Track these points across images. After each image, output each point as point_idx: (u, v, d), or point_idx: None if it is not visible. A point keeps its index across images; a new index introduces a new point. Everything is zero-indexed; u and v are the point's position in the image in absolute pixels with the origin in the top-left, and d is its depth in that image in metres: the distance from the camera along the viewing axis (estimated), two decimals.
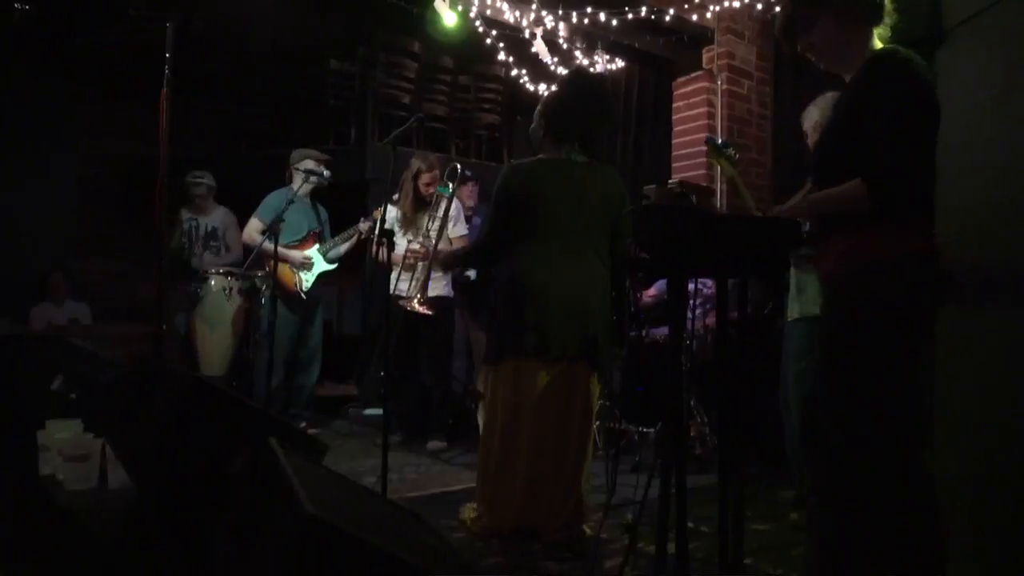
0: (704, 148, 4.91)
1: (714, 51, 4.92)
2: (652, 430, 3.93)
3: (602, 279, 2.47)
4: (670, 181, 1.61)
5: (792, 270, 2.64)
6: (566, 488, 2.45)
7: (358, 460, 3.93)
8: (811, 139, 2.86)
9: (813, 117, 2.78)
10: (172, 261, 5.13)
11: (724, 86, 4.90)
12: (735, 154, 2.01)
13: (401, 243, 4.28)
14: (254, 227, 4.52)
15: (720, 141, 1.96)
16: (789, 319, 2.75)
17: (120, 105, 5.40)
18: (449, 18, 3.79)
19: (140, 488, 1.86)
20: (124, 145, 5.51)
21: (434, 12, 3.79)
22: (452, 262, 3.24)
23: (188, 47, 5.17)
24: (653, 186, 1.58)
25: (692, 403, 3.81)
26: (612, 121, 2.68)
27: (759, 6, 4.64)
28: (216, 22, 5.24)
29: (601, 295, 2.46)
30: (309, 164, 4.52)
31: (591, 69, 4.83)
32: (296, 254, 4.54)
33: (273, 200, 4.52)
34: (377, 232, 2.93)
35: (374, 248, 4.39)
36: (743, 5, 4.73)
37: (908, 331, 1.62)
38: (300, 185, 4.43)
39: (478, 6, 3.95)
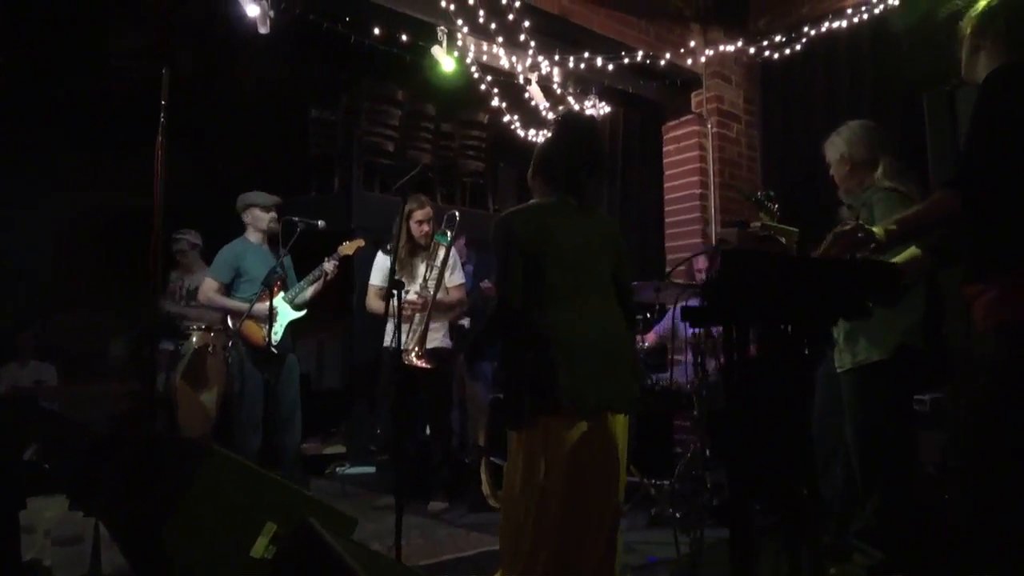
0: (699, 191, 4.92)
1: (703, 95, 4.95)
2: (667, 482, 3.78)
3: (621, 321, 2.37)
4: (752, 223, 1.51)
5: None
6: (606, 543, 2.29)
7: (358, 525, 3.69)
8: (835, 170, 2.81)
9: (839, 148, 2.73)
10: (158, 320, 4.90)
11: (714, 129, 4.92)
12: (776, 207, 1.92)
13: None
14: (209, 287, 4.23)
15: (760, 194, 1.87)
16: (840, 369, 2.63)
17: (100, 156, 5.19)
18: (447, 64, 3.72)
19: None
20: (104, 197, 5.30)
21: (432, 59, 3.72)
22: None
23: (167, 96, 5.03)
24: (733, 229, 1.48)
25: (707, 453, 3.69)
26: (603, 164, 2.61)
27: (751, 50, 4.69)
28: (195, 71, 5.12)
29: (624, 337, 2.38)
30: (257, 212, 4.32)
31: (582, 111, 4.81)
32: (260, 306, 4.21)
33: (226, 255, 4.27)
34: (387, 284, 2.78)
35: (371, 298, 4.23)
36: (731, 51, 4.79)
37: None
38: (251, 232, 4.25)
39: (474, 52, 3.90)
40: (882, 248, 1.57)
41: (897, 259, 1.72)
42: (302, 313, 4.41)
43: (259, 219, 4.31)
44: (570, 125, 2.53)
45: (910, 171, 2.62)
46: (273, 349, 4.24)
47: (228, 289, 4.24)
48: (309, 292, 4.37)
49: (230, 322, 4.16)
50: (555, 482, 2.24)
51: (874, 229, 1.49)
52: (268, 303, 4.23)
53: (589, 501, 2.23)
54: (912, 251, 1.78)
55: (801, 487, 1.65)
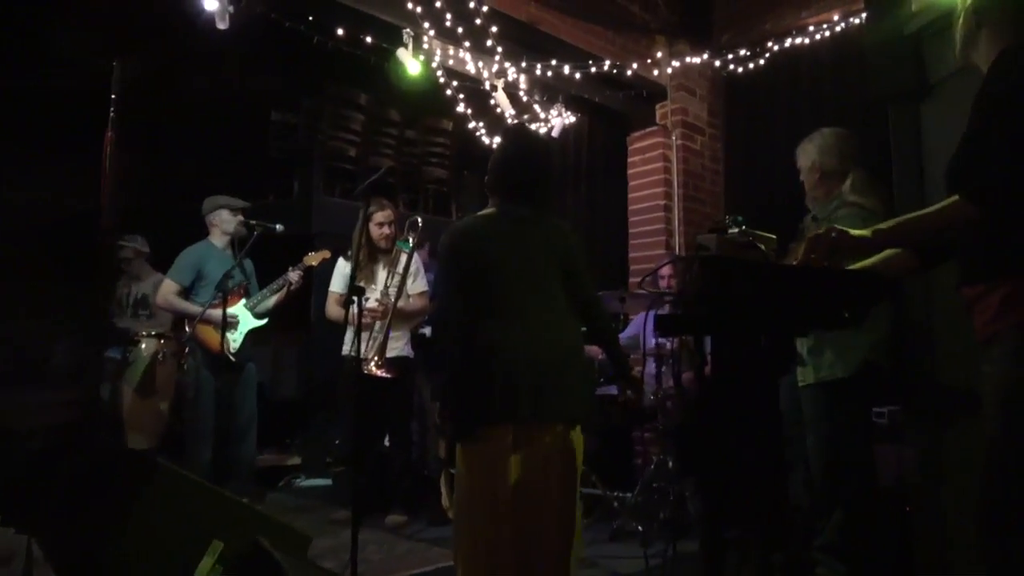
0: (663, 202, 4.92)
1: (668, 107, 4.97)
2: (630, 495, 3.74)
3: (571, 334, 2.30)
4: (731, 228, 1.47)
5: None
6: (558, 557, 2.22)
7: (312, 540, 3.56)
8: (804, 177, 2.81)
9: (811, 156, 2.73)
10: (105, 327, 4.72)
11: (679, 141, 4.94)
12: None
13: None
14: (168, 289, 4.10)
15: (728, 219, 1.79)
16: (802, 383, 2.61)
17: (39, 155, 4.98)
18: (413, 67, 3.65)
19: None
20: (45, 197, 5.07)
21: (396, 62, 3.65)
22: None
23: (117, 94, 4.86)
24: (712, 235, 1.43)
25: (670, 464, 3.66)
26: (551, 175, 2.58)
27: (716, 63, 4.72)
28: (150, 68, 4.95)
29: (573, 350, 2.29)
30: (225, 214, 4.21)
31: (548, 121, 4.79)
32: (218, 312, 4.11)
33: (189, 257, 4.15)
34: (347, 290, 2.69)
35: (330, 306, 4.11)
36: (696, 64, 4.82)
37: None
38: (222, 237, 4.14)
39: (440, 56, 3.84)
40: (864, 251, 1.47)
41: (870, 261, 1.65)
42: (263, 322, 4.31)
43: (226, 222, 4.20)
44: (517, 136, 2.53)
45: (878, 185, 2.63)
46: (231, 357, 4.12)
47: (188, 293, 4.11)
48: (272, 301, 4.28)
49: (187, 327, 4.01)
50: (500, 494, 2.17)
51: (856, 232, 1.42)
52: (223, 309, 4.13)
53: (538, 513, 2.16)
54: (887, 251, 1.67)
55: (771, 501, 1.61)
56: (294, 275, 4.21)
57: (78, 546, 1.66)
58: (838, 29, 4.27)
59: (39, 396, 5.23)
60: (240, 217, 4.22)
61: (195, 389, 4.01)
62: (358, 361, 3.03)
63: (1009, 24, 1.54)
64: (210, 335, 4.14)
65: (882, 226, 1.45)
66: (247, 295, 4.27)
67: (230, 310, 4.15)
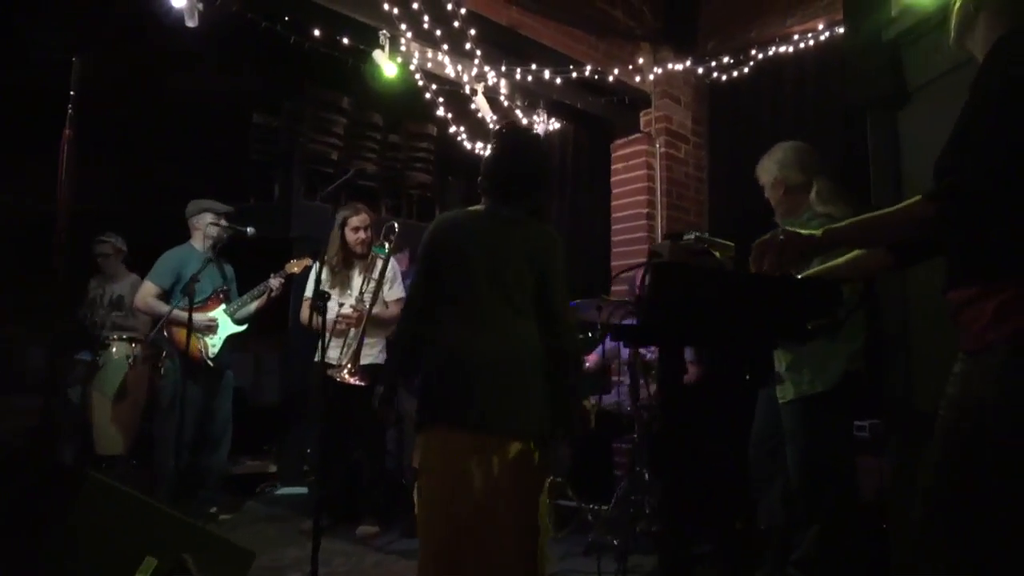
0: (645, 210, 4.87)
1: (651, 114, 4.92)
2: (606, 507, 3.67)
3: (532, 344, 2.20)
4: (686, 235, 1.41)
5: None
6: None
7: (279, 549, 3.49)
8: (769, 194, 2.76)
9: (772, 172, 2.69)
10: (73, 329, 4.62)
11: (662, 149, 4.89)
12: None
13: (331, 304, 3.96)
14: (148, 291, 4.05)
15: (695, 235, 1.69)
16: (782, 400, 2.55)
17: (9, 156, 4.89)
18: (389, 69, 3.59)
19: None
20: (12, 199, 4.98)
21: (372, 63, 3.58)
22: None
23: (94, 93, 4.78)
24: (666, 241, 1.37)
25: (646, 477, 3.59)
26: (544, 176, 2.49)
27: (699, 70, 4.68)
28: (128, 66, 4.88)
29: (531, 361, 2.18)
30: (208, 218, 4.16)
31: (531, 127, 4.73)
32: (199, 317, 4.05)
33: (170, 260, 4.10)
34: (312, 295, 2.62)
35: (304, 311, 4.03)
36: (680, 71, 4.78)
37: None
38: (198, 239, 4.08)
39: (418, 59, 3.78)
40: (819, 251, 1.37)
41: (840, 260, 1.57)
42: (243, 328, 4.26)
43: (209, 226, 4.12)
44: (507, 136, 2.43)
45: (843, 192, 2.58)
46: (209, 363, 4.06)
47: (167, 296, 4.04)
48: (253, 307, 4.25)
49: (164, 331, 3.94)
50: (452, 504, 2.10)
51: (807, 232, 1.34)
52: (209, 312, 4.09)
53: (491, 529, 2.08)
54: (856, 251, 1.57)
55: (736, 519, 1.55)
56: (275, 282, 4.18)
57: (3, 562, 1.58)
58: (823, 38, 4.24)
59: (18, 401, 5.12)
60: (223, 222, 4.17)
61: (171, 394, 3.94)
62: (324, 367, 2.94)
63: (1008, 6, 1.40)
64: (190, 341, 4.07)
65: (835, 225, 1.37)
66: (227, 300, 4.22)
67: (210, 314, 4.11)
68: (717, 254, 1.35)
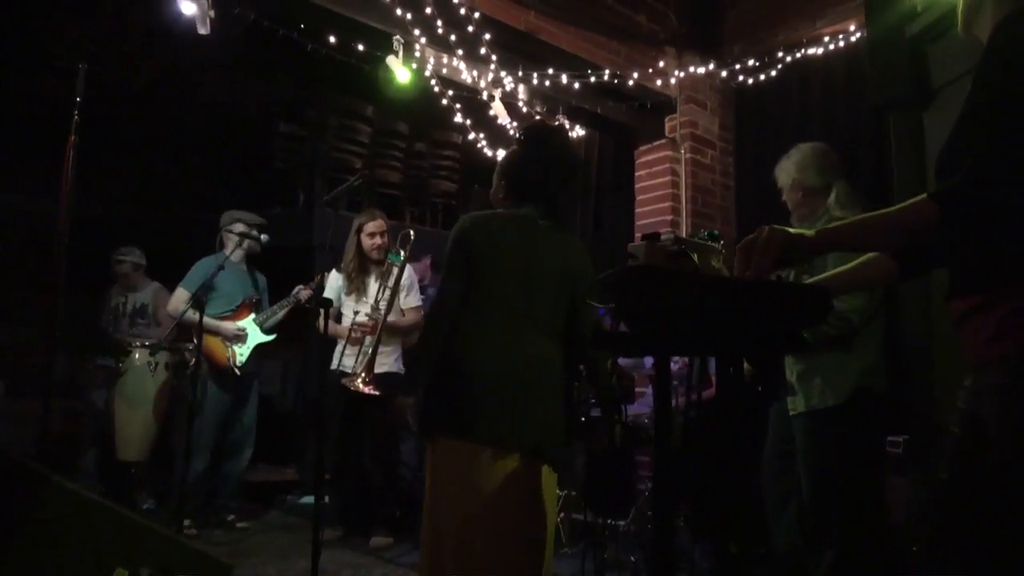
0: (670, 218, 4.76)
1: (676, 120, 4.82)
2: (622, 523, 3.56)
3: (550, 360, 2.09)
4: (663, 235, 1.33)
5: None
6: None
7: (288, 561, 3.45)
8: (787, 196, 2.65)
9: (790, 174, 2.57)
10: (94, 335, 4.70)
11: (687, 155, 4.78)
12: (720, 245, 1.68)
13: (347, 312, 3.94)
14: (180, 297, 4.11)
15: (704, 233, 1.59)
16: (793, 413, 2.43)
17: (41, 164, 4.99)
18: (402, 75, 3.56)
19: None
20: (43, 205, 5.09)
21: (387, 69, 3.56)
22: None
23: (125, 103, 4.87)
24: (641, 243, 1.29)
25: None
26: (576, 175, 2.36)
27: (724, 73, 4.57)
28: (156, 78, 4.96)
29: (548, 377, 2.09)
30: (241, 228, 4.19)
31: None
32: (228, 326, 4.13)
33: (202, 268, 4.15)
34: (315, 300, 2.59)
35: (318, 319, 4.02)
36: (704, 75, 4.67)
37: None
38: (232, 250, 4.12)
39: (433, 64, 3.74)
40: (810, 252, 1.23)
41: (848, 266, 1.44)
42: (271, 337, 4.31)
43: (246, 234, 4.20)
44: (540, 133, 2.28)
45: (861, 197, 2.45)
46: (236, 371, 4.10)
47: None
48: (280, 316, 4.29)
49: (195, 338, 3.98)
50: (457, 513, 2.02)
51: (797, 230, 1.22)
52: (239, 321, 4.14)
53: (496, 538, 2.00)
54: (868, 256, 1.46)
55: (730, 541, 1.44)
56: (305, 292, 4.21)
57: None
58: (853, 39, 4.09)
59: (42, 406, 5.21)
60: (255, 232, 4.22)
61: (197, 401, 3.96)
62: (335, 375, 2.90)
63: None
64: (218, 348, 4.13)
65: (831, 225, 1.25)
66: (258, 310, 4.26)
67: (239, 323, 4.17)
68: (694, 256, 1.26)
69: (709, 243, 1.51)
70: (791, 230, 1.19)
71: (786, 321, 1.17)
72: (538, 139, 2.23)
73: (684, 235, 4.76)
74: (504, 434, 2.01)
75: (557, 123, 4.55)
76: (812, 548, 2.42)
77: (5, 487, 1.41)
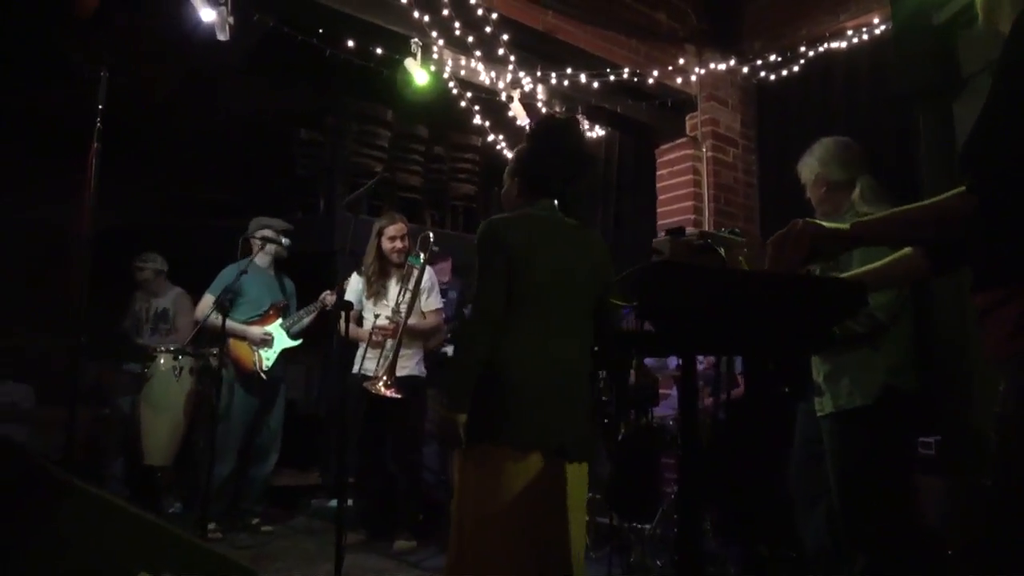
0: (692, 217, 4.70)
1: (697, 118, 4.77)
2: (647, 526, 3.51)
3: (584, 362, 2.11)
4: (688, 231, 1.29)
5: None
6: None
7: (314, 565, 3.45)
8: (810, 192, 2.59)
9: (813, 168, 2.52)
10: (118, 341, 4.75)
11: (709, 153, 4.72)
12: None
13: (368, 315, 3.94)
14: (207, 303, 4.14)
15: (725, 231, 1.56)
16: (820, 413, 2.37)
17: (65, 172, 5.06)
18: (420, 77, 3.56)
19: None
20: (69, 213, 5.16)
21: (405, 72, 3.56)
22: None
23: (147, 111, 4.91)
24: (666, 238, 1.26)
25: None
26: (586, 167, 2.31)
27: (745, 70, 4.51)
28: (177, 87, 5.01)
29: (583, 380, 2.11)
30: (267, 234, 4.22)
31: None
32: (255, 330, 4.15)
33: (228, 274, 4.17)
34: (335, 303, 2.59)
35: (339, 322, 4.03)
36: (726, 72, 4.61)
37: None
38: (256, 255, 4.14)
39: (451, 67, 3.73)
40: (843, 247, 1.19)
41: (877, 264, 1.40)
42: (298, 342, 4.34)
43: (269, 239, 4.21)
44: (548, 127, 2.25)
45: (886, 192, 2.38)
46: (263, 375, 4.12)
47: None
48: (307, 321, 4.31)
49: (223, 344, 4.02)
50: (496, 519, 2.00)
51: (832, 224, 1.18)
52: (266, 326, 4.17)
53: (525, 542, 1.98)
54: (902, 251, 1.41)
55: (760, 544, 1.41)
56: (330, 298, 4.21)
57: None
58: (878, 32, 4.01)
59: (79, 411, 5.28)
60: (282, 238, 4.23)
61: (224, 405, 3.99)
62: (357, 379, 2.89)
63: None
64: (244, 353, 4.16)
65: (864, 219, 1.21)
66: (285, 315, 4.29)
67: (266, 328, 4.20)
68: (721, 251, 1.23)
69: (735, 237, 1.48)
70: (825, 223, 1.15)
71: (819, 317, 1.13)
72: (547, 133, 2.21)
73: None
74: (532, 436, 2.00)
75: (567, 117, 4.53)
76: (842, 552, 2.36)
77: (25, 490, 1.41)
